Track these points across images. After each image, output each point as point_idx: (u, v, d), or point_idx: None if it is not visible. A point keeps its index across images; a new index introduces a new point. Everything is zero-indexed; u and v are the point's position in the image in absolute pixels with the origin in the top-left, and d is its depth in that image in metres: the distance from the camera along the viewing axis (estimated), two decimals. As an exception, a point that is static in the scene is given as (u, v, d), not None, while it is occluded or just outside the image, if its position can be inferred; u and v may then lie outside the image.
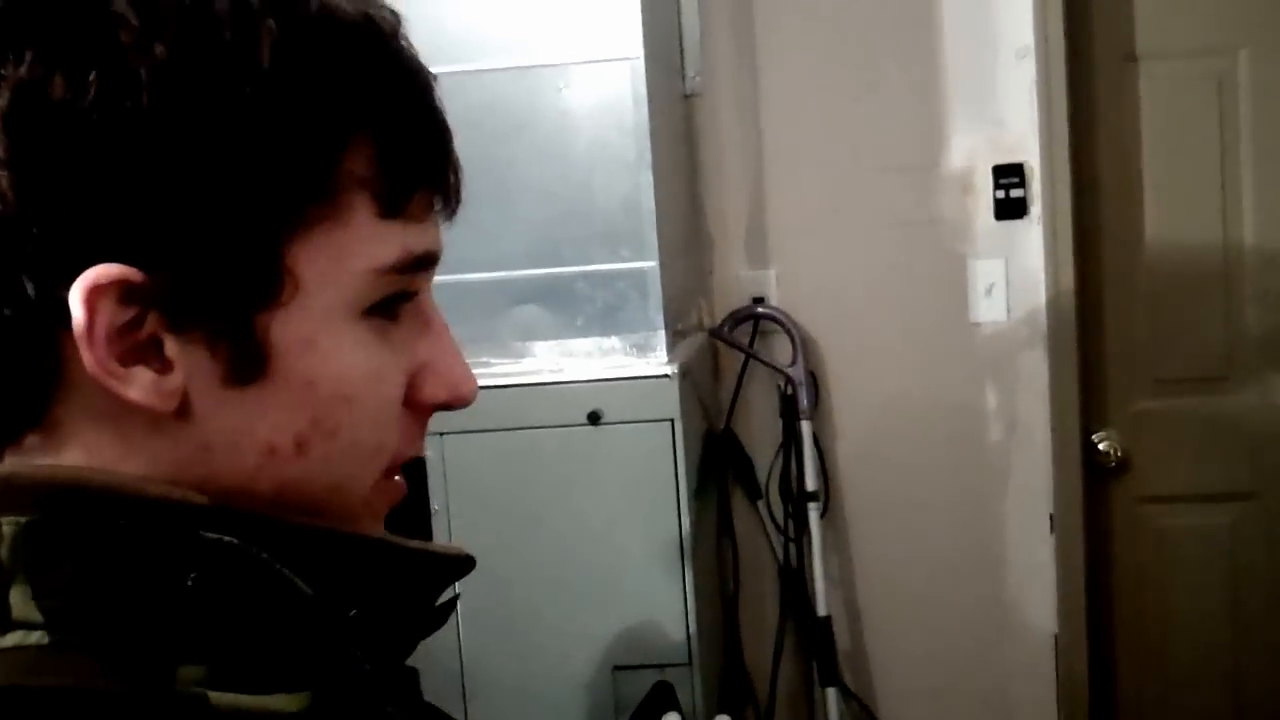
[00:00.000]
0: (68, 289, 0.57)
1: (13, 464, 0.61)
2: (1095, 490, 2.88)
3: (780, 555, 2.86)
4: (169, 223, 0.57)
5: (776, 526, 2.86)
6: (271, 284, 0.60)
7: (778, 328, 2.82)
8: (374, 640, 0.65)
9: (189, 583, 0.58)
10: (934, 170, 2.79)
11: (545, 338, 2.33)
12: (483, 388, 0.71)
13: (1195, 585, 2.89)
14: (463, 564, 0.69)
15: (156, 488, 0.59)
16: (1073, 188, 2.77)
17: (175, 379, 0.59)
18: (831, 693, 2.77)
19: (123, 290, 0.57)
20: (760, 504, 2.87)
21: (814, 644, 2.81)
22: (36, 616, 0.57)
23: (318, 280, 0.61)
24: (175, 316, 0.58)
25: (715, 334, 2.81)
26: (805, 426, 2.77)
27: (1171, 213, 2.84)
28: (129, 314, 0.58)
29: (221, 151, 0.57)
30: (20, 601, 0.57)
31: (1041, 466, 2.82)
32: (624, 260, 2.30)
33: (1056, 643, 2.84)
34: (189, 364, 0.59)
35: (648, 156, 2.28)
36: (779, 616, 2.84)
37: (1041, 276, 2.78)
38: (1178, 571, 2.90)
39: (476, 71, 2.28)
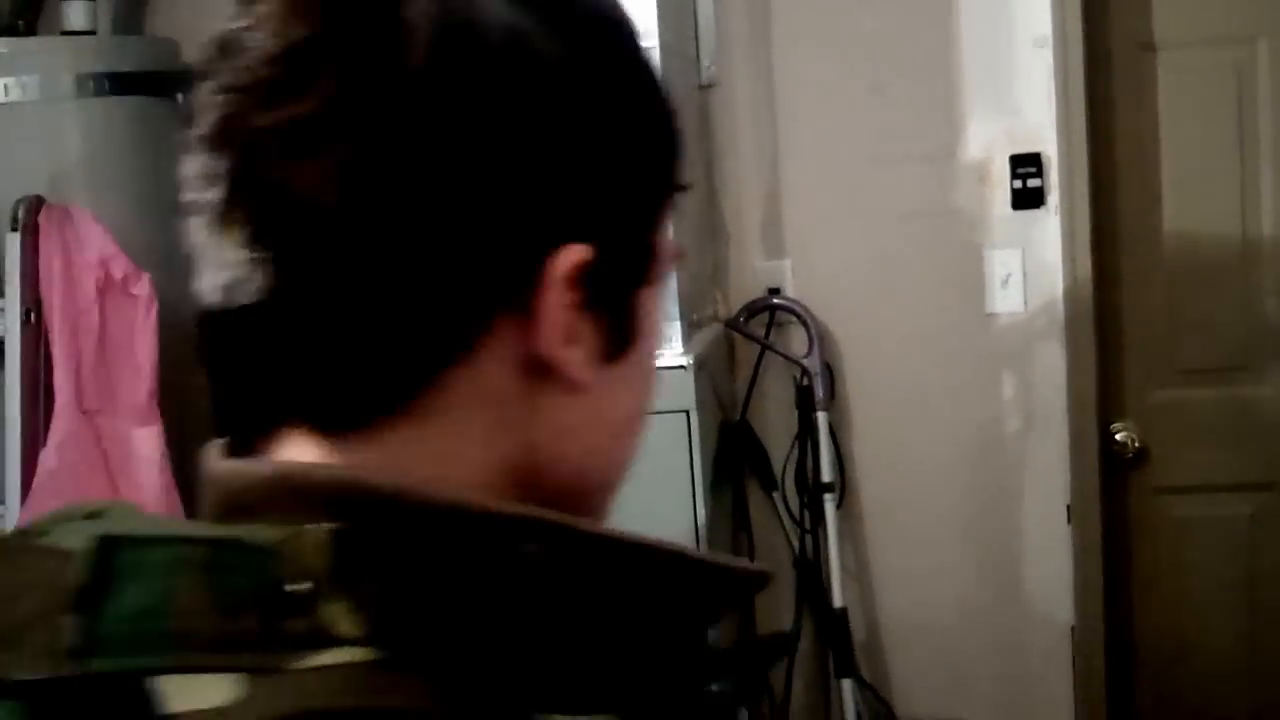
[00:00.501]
0: (522, 271, 0.57)
1: (305, 465, 0.58)
2: (1113, 481, 2.86)
3: (796, 546, 2.86)
4: (610, 201, 0.60)
5: (792, 518, 2.86)
6: (649, 259, 0.63)
7: (793, 319, 2.81)
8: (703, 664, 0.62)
9: (523, 602, 0.55)
10: (950, 160, 2.78)
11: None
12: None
13: (1214, 575, 2.88)
14: (760, 581, 0.64)
15: (476, 496, 0.56)
16: (1090, 178, 2.76)
17: (584, 354, 0.60)
18: (847, 684, 2.76)
19: (581, 269, 0.58)
20: (776, 495, 2.86)
21: (830, 635, 2.80)
22: (359, 632, 0.53)
23: (661, 257, 0.64)
24: (594, 292, 0.59)
25: (731, 325, 2.81)
26: (821, 418, 2.77)
27: (1189, 203, 2.83)
28: (580, 294, 0.58)
29: (649, 134, 0.64)
30: (340, 615, 0.53)
31: (1059, 457, 2.81)
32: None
33: (1074, 634, 2.84)
34: (588, 340, 0.60)
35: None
36: (795, 608, 2.84)
37: (1059, 267, 2.77)
38: (1196, 562, 2.88)
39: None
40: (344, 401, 0.57)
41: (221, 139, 0.56)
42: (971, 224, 2.79)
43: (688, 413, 2.29)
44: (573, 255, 0.58)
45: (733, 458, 2.78)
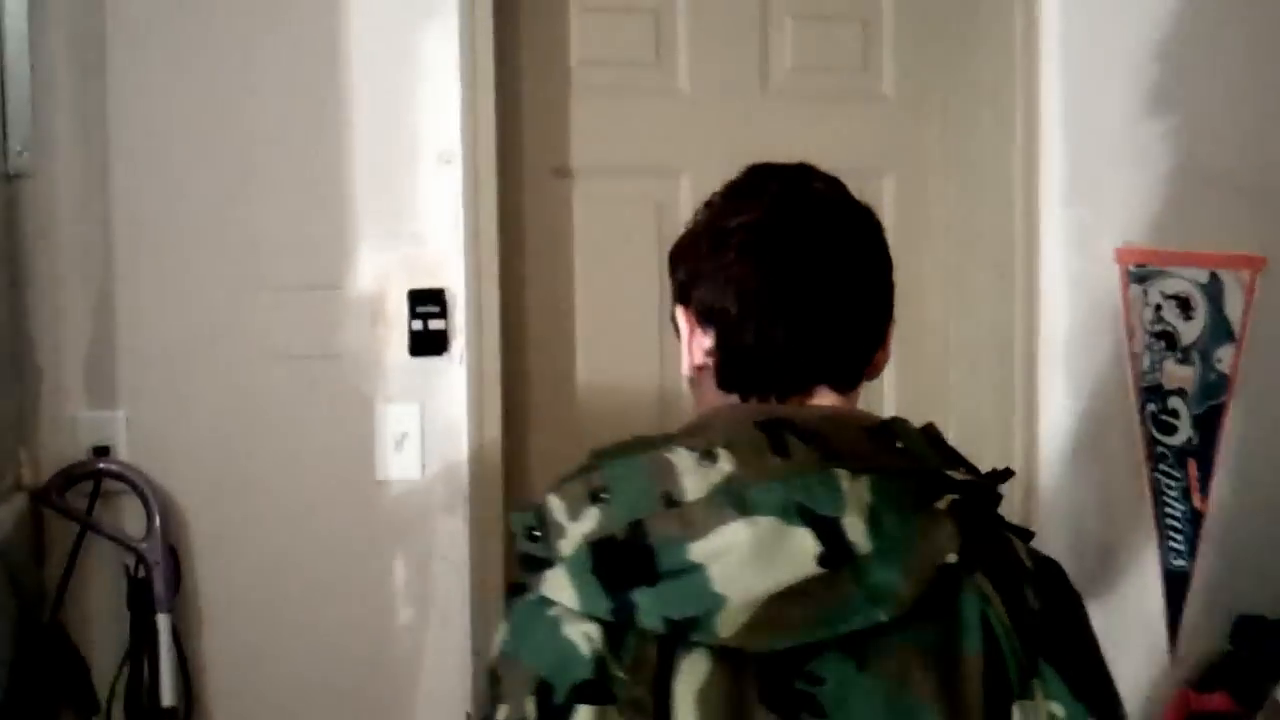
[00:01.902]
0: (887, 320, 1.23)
1: (848, 408, 1.21)
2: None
3: (125, 789, 2.16)
4: None
5: (119, 752, 2.16)
6: None
7: (127, 488, 2.15)
8: None
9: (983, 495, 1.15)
10: (338, 292, 2.25)
11: None
12: None
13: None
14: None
15: None
16: (502, 320, 2.33)
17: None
18: None
19: None
20: (98, 723, 2.15)
21: None
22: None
23: None
24: None
25: (40, 498, 2.10)
26: (163, 621, 2.11)
27: (605, 348, 2.48)
28: None
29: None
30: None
31: (460, 656, 2.32)
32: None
33: None
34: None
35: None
36: None
37: (464, 426, 2.31)
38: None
39: None
40: (850, 373, 1.19)
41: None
42: (362, 371, 2.27)
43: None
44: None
45: (38, 674, 2.05)
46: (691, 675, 1.02)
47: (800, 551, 1.02)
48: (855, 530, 1.03)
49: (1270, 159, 2.67)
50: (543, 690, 1.03)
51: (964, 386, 2.71)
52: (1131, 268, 2.61)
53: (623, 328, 2.50)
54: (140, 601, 2.13)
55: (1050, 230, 2.57)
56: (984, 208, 2.64)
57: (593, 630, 1.03)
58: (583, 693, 1.01)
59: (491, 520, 2.32)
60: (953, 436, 1.18)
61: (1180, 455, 2.64)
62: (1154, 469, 2.64)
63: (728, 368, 1.18)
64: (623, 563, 1.02)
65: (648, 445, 1.08)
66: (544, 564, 1.05)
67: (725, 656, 1.03)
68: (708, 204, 1.24)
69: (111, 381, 2.18)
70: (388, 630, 2.30)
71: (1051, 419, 2.58)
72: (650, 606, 1.01)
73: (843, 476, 1.04)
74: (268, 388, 2.23)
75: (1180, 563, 2.65)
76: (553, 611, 1.04)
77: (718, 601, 1.01)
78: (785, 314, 1.15)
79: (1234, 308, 2.66)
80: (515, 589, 1.09)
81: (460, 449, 2.31)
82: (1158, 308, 2.63)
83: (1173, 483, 2.65)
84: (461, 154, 2.28)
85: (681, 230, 1.26)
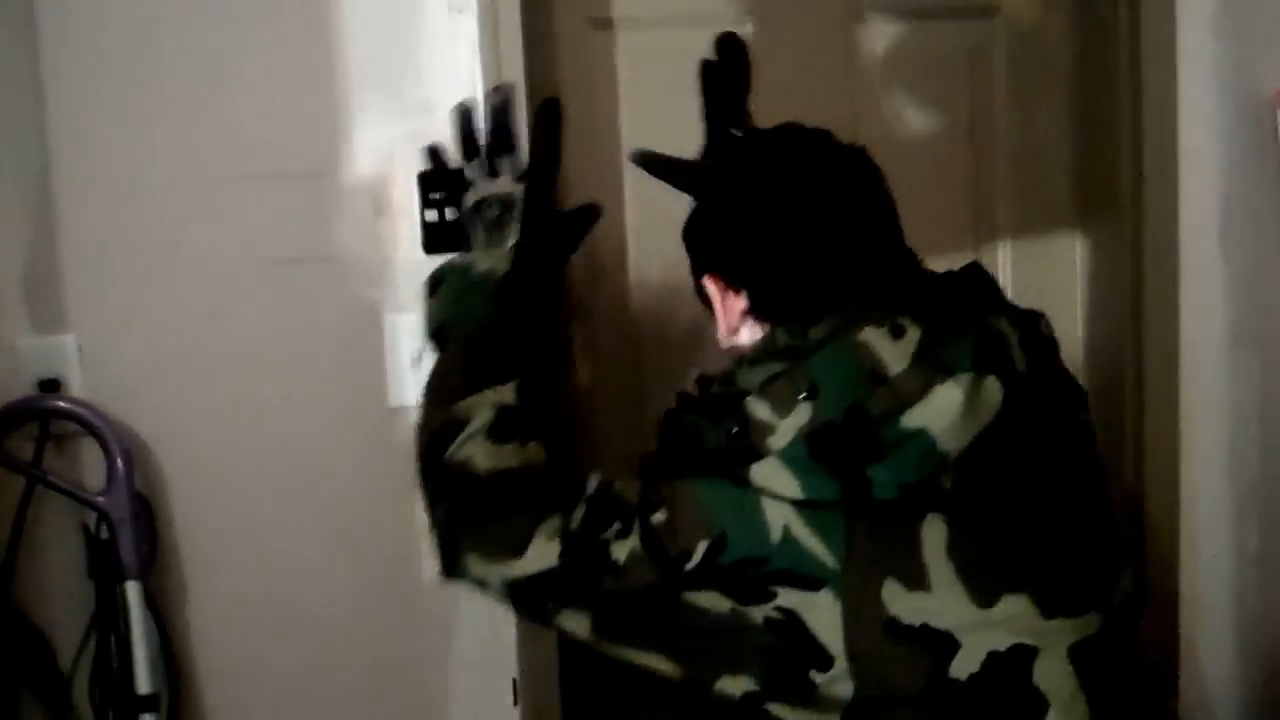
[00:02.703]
0: None
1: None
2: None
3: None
4: None
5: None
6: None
7: (82, 430, 1.76)
8: None
9: None
10: (331, 179, 1.84)
11: None
12: None
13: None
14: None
15: None
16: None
17: None
18: None
19: None
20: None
21: None
22: None
23: None
24: None
25: (-26, 445, 1.72)
26: (133, 590, 1.74)
27: (656, 232, 2.06)
28: None
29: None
30: None
31: (501, 614, 1.93)
32: None
33: None
34: None
35: None
36: None
37: (494, 336, 1.89)
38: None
39: None
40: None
41: None
42: (365, 275, 1.86)
43: None
44: None
45: (-10, 657, 1.69)
46: (934, 535, 1.13)
47: (992, 396, 1.16)
48: (1020, 364, 1.21)
49: None
50: (718, 544, 1.15)
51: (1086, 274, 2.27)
52: (1298, 113, 2.15)
53: (677, 203, 2.08)
54: (104, 567, 1.75)
55: (1193, 70, 2.11)
56: (1113, 46, 2.17)
57: (792, 517, 1.13)
58: (769, 575, 1.13)
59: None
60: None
61: (1357, 340, 2.20)
62: (1324, 357, 2.20)
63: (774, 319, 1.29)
64: (846, 445, 1.12)
65: (835, 330, 1.19)
66: (745, 458, 1.14)
67: (952, 506, 1.14)
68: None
69: (58, 301, 1.79)
70: (413, 587, 1.91)
71: (1199, 299, 2.14)
72: (885, 478, 1.12)
73: (999, 322, 1.23)
74: (250, 300, 1.83)
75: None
76: (753, 495, 1.14)
77: (944, 458, 1.14)
78: (821, 264, 1.28)
79: None
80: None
81: (489, 365, 1.90)
82: (1327, 160, 2.17)
83: (1346, 371, 2.21)
84: (476, 3, 1.84)
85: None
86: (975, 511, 1.15)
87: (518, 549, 1.22)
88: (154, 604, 1.78)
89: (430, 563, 1.90)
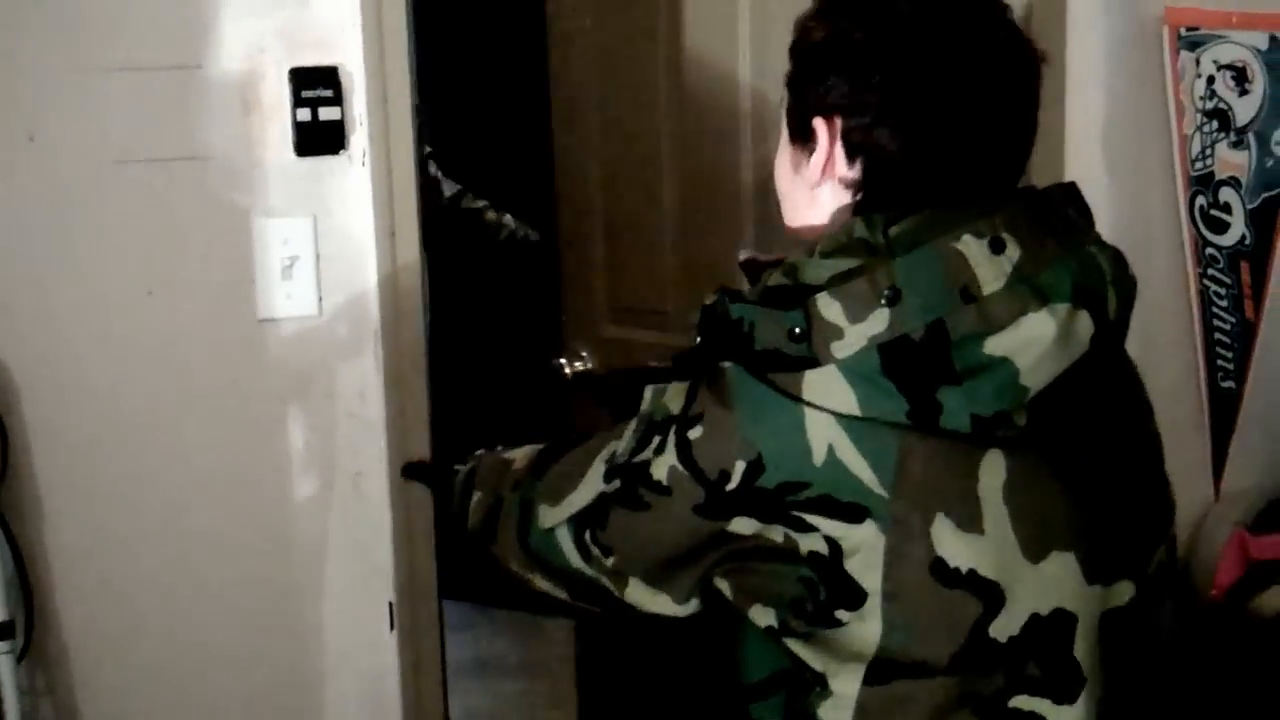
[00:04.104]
0: None
1: None
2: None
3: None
4: None
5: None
6: None
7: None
8: None
9: None
10: (196, 73, 1.72)
11: None
12: None
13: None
14: None
15: None
16: (416, 101, 1.81)
17: None
18: None
19: None
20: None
21: None
22: None
23: None
24: None
25: None
26: (-17, 511, 1.62)
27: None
28: None
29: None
30: None
31: (378, 536, 1.86)
32: None
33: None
34: None
35: None
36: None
37: (370, 244, 1.80)
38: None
39: None
40: None
41: None
42: (232, 177, 1.75)
43: None
44: None
45: None
46: (993, 474, 1.02)
47: (1083, 333, 1.05)
48: (1111, 305, 1.09)
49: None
50: (755, 466, 1.02)
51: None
52: (1183, 31, 2.14)
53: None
54: (-51, 488, 1.63)
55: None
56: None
57: (839, 437, 1.01)
58: (811, 501, 1.01)
59: (411, 363, 1.84)
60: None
61: (1232, 258, 2.22)
62: (1201, 274, 2.22)
63: (880, 206, 1.07)
64: (921, 363, 1.00)
65: (928, 232, 1.03)
66: (798, 365, 1.01)
67: (1017, 447, 1.03)
68: (874, 8, 1.09)
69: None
70: (284, 508, 1.83)
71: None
72: (957, 406, 1.00)
73: (1098, 253, 1.10)
74: (107, 202, 1.71)
75: (1228, 383, 2.25)
76: (798, 411, 1.01)
77: (1024, 394, 1.02)
78: (951, 176, 1.07)
79: (1296, 79, 2.21)
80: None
81: (367, 274, 1.81)
82: (1210, 80, 2.17)
83: (1222, 290, 2.23)
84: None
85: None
86: (1039, 456, 1.04)
87: (575, 482, 1.14)
88: (6, 527, 1.66)
89: (304, 482, 1.83)
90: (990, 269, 1.01)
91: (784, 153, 1.15)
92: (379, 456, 1.84)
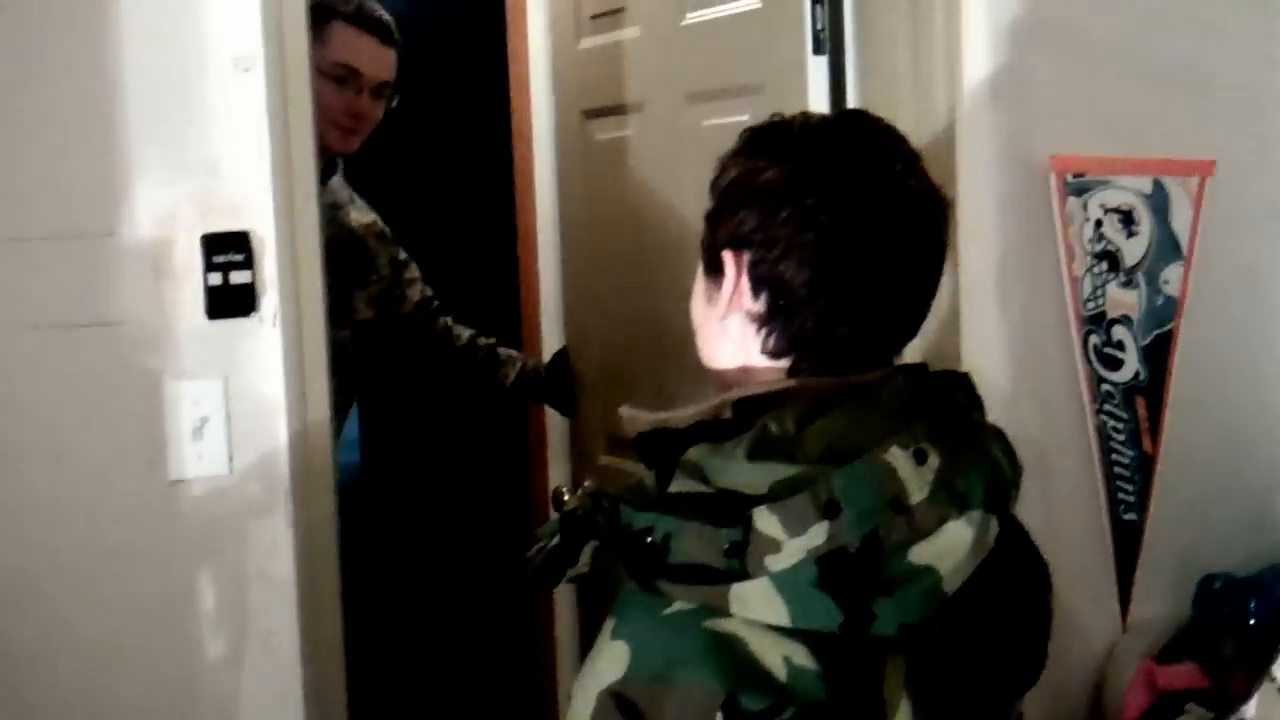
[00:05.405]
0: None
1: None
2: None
3: None
4: None
5: None
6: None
7: None
8: None
9: None
10: (109, 240, 1.75)
11: None
12: None
13: None
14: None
15: None
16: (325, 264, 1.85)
17: None
18: None
19: None
20: None
21: None
22: None
23: None
24: None
25: None
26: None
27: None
28: None
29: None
30: None
31: (289, 698, 1.85)
32: None
33: None
34: None
35: None
36: None
37: (281, 404, 1.82)
38: None
39: None
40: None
41: None
42: (144, 341, 1.77)
43: None
44: None
45: None
46: (895, 673, 1.02)
47: (992, 536, 1.08)
48: (1013, 503, 1.15)
49: (1216, 48, 2.31)
50: (731, 706, 0.96)
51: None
52: (1069, 177, 2.23)
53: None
54: None
55: (973, 136, 2.17)
56: (896, 107, 2.23)
57: (795, 651, 0.99)
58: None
59: (322, 523, 1.85)
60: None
61: (1128, 393, 2.29)
62: (1099, 410, 2.28)
63: (783, 343, 1.12)
64: (855, 574, 1.00)
65: (841, 438, 1.05)
66: (725, 578, 0.99)
67: (907, 644, 1.03)
68: (788, 148, 1.14)
69: None
70: (194, 669, 1.81)
71: (979, 359, 2.20)
72: (889, 615, 1.01)
73: (1000, 455, 1.13)
74: (19, 367, 1.73)
75: (1130, 515, 2.30)
76: (728, 627, 0.99)
77: (943, 600, 1.04)
78: (855, 312, 1.11)
79: (1181, 220, 2.29)
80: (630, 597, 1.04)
81: (278, 435, 1.83)
82: (1098, 223, 2.26)
83: (1120, 425, 2.29)
84: (263, 57, 1.78)
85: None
86: (941, 652, 1.05)
87: None
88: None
89: (215, 642, 1.82)
90: (916, 480, 1.02)
91: (699, 285, 1.19)
92: (289, 614, 1.84)
